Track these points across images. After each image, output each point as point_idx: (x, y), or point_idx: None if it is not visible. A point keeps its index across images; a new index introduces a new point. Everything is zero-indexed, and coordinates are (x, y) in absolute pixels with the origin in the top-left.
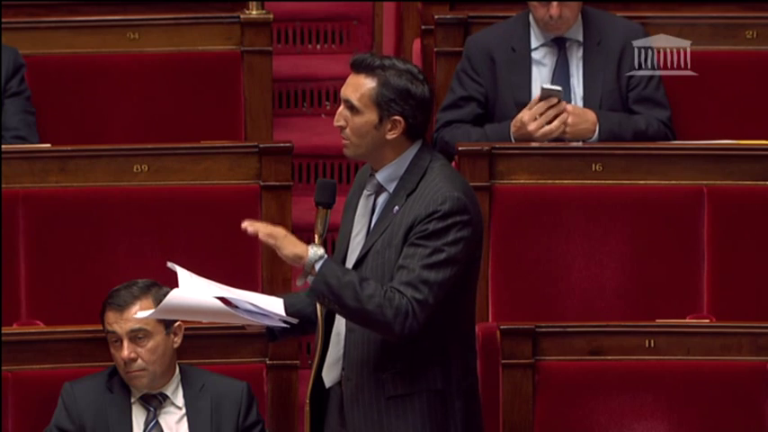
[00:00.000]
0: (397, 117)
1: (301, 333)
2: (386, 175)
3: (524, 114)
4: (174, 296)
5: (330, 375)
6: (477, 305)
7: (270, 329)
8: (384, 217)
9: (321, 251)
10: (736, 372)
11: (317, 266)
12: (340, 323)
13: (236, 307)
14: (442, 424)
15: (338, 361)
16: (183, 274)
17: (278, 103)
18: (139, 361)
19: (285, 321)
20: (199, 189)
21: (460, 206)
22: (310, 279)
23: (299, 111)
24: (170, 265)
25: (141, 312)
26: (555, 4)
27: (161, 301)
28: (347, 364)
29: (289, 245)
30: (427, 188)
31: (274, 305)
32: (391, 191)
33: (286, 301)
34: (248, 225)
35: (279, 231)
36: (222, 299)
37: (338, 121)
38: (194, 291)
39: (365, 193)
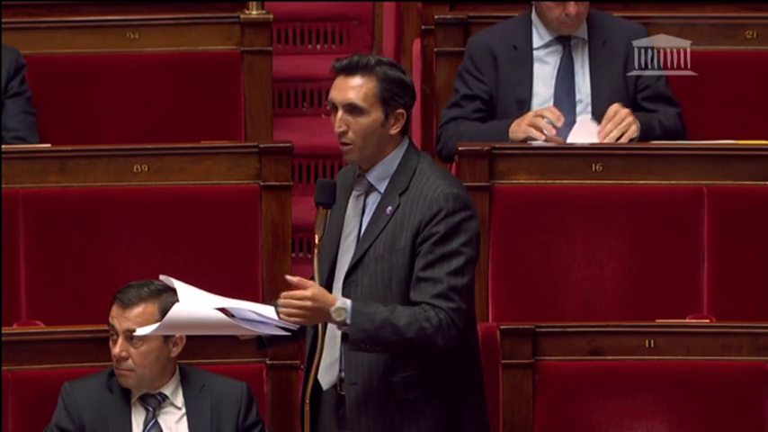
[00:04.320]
0: (400, 110)
1: (291, 340)
2: (376, 175)
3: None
4: (177, 311)
5: (327, 378)
6: (477, 305)
7: (258, 337)
8: (377, 218)
9: (345, 309)
10: (736, 372)
11: (348, 320)
12: (333, 326)
13: (236, 317)
14: (455, 423)
15: (334, 363)
16: (180, 287)
17: (278, 103)
18: (129, 361)
19: (283, 328)
20: (199, 189)
21: (463, 202)
22: (346, 329)
23: (299, 111)
24: (163, 278)
25: (142, 329)
26: (572, 2)
27: (167, 309)
28: (348, 368)
29: (315, 320)
30: (424, 187)
31: (268, 312)
32: (382, 190)
33: (276, 308)
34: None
35: (304, 312)
36: (222, 310)
37: (340, 126)
38: (195, 304)
39: (355, 193)
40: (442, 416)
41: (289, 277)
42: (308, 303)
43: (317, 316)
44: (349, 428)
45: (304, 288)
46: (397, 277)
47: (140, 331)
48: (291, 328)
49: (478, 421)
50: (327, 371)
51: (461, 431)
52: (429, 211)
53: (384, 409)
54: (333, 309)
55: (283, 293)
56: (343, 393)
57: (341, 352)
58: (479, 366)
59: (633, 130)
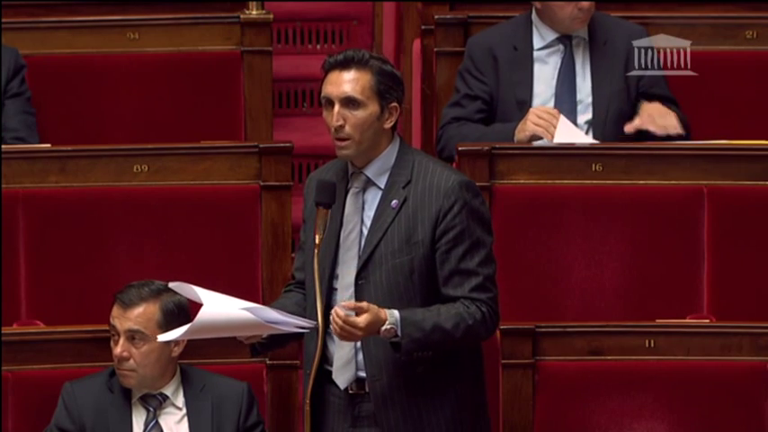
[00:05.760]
0: (393, 104)
1: (280, 345)
2: (375, 170)
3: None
4: (204, 315)
5: (344, 376)
6: None
7: (252, 344)
8: (382, 212)
9: (393, 320)
10: (736, 372)
11: (399, 332)
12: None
13: (259, 316)
14: (478, 403)
15: (350, 362)
16: (201, 291)
17: (278, 103)
18: (131, 361)
19: (300, 326)
20: (199, 189)
21: (475, 189)
22: (397, 340)
23: (299, 111)
24: (174, 285)
25: (164, 335)
26: None
27: (168, 309)
28: (369, 364)
29: (366, 334)
30: (433, 178)
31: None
32: (382, 185)
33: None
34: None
35: (356, 330)
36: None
37: (338, 121)
38: (220, 306)
39: (352, 190)
40: (465, 400)
41: (344, 303)
42: (361, 325)
43: (370, 332)
44: (376, 424)
45: (360, 311)
46: (419, 269)
47: (164, 336)
48: (308, 327)
49: (486, 412)
50: (342, 370)
51: (481, 417)
52: (447, 200)
53: (410, 401)
54: (383, 328)
55: (336, 311)
56: (352, 392)
57: (356, 350)
58: (482, 358)
59: (675, 125)
